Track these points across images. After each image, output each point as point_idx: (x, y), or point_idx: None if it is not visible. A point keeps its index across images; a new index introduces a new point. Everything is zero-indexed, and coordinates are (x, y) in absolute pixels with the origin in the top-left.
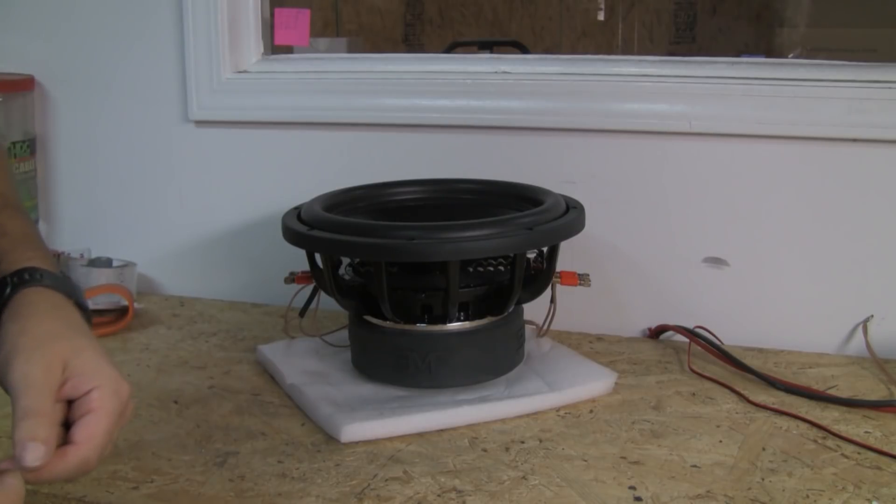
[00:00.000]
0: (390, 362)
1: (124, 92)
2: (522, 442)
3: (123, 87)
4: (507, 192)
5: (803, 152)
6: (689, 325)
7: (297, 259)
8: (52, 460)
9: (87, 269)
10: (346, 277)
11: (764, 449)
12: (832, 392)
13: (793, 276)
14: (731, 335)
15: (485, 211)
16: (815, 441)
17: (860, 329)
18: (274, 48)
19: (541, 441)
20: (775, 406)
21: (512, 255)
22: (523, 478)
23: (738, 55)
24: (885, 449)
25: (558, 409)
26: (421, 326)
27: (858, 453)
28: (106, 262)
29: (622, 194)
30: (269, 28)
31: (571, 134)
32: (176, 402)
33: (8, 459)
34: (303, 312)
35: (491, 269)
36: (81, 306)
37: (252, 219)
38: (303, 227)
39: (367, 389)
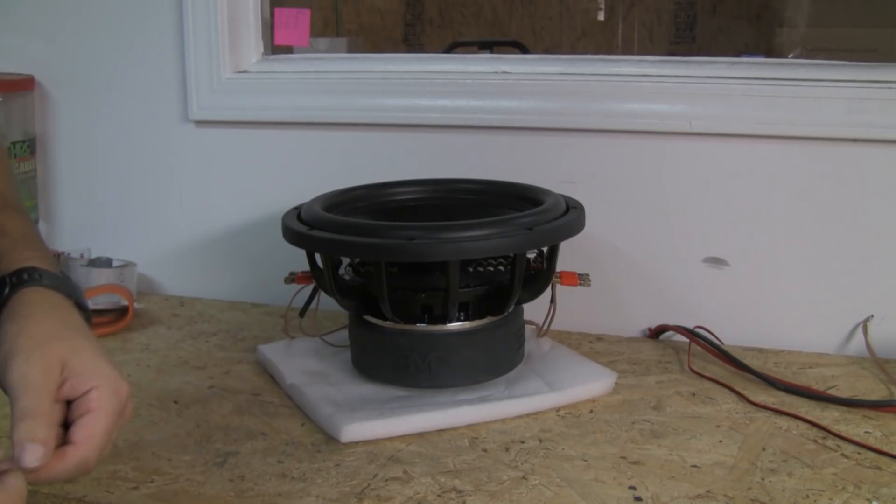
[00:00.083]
0: (390, 362)
1: (124, 92)
2: (522, 442)
3: (123, 87)
4: (507, 192)
5: (803, 152)
6: (689, 325)
7: (297, 259)
8: (51, 461)
9: (87, 269)
10: (346, 277)
11: (764, 449)
12: (832, 392)
13: (793, 276)
14: (731, 335)
15: (485, 211)
16: (815, 441)
17: (860, 329)
18: (274, 48)
19: (541, 441)
20: (775, 406)
21: (512, 255)
22: (523, 478)
23: (738, 55)
24: (885, 449)
25: (558, 409)
26: (421, 326)
27: (858, 453)
28: (106, 262)
29: (622, 194)
30: (269, 28)
31: (571, 134)
32: (176, 402)
33: (7, 460)
34: (303, 312)
35: (491, 269)
36: (81, 306)
37: (252, 219)
38: (303, 227)
39: (367, 389)
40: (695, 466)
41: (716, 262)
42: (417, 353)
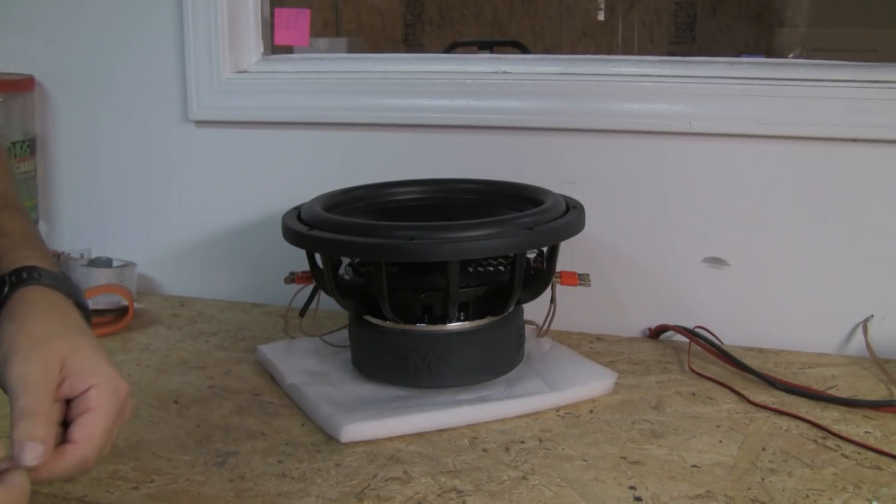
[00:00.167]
0: (390, 362)
1: (124, 92)
2: (522, 442)
3: (123, 87)
4: (507, 192)
5: (803, 152)
6: (689, 325)
7: (297, 259)
8: (50, 459)
9: (87, 269)
10: (346, 277)
11: (764, 449)
12: (832, 392)
13: (793, 276)
14: (731, 335)
15: (485, 211)
16: (815, 441)
17: (860, 329)
18: (274, 48)
19: (541, 441)
20: (775, 406)
21: (512, 255)
22: (523, 478)
23: (738, 55)
24: (885, 449)
25: (558, 409)
26: (421, 326)
27: (858, 453)
28: (106, 262)
29: (622, 194)
30: (269, 28)
31: (571, 134)
32: (176, 402)
33: (7, 459)
34: (303, 312)
35: (491, 269)
36: (81, 305)
37: (252, 219)
38: (303, 227)
39: (367, 389)
40: (695, 466)
41: (716, 262)
42: (417, 353)
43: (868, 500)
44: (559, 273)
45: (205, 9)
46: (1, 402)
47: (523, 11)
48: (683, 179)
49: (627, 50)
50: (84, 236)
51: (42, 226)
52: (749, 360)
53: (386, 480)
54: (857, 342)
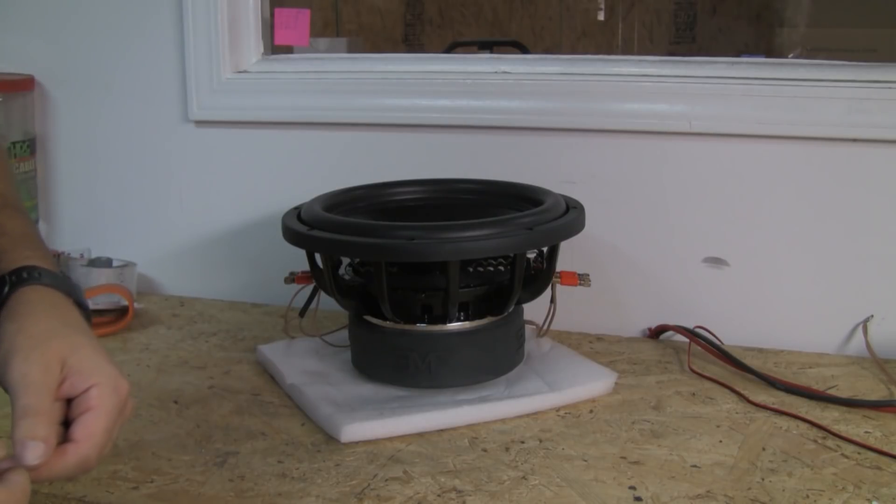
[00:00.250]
0: (390, 362)
1: (124, 92)
2: (522, 442)
3: (123, 87)
4: (507, 192)
5: (803, 152)
6: (689, 325)
7: (297, 259)
8: (52, 459)
9: (87, 269)
10: (346, 277)
11: (764, 449)
12: (832, 392)
13: (793, 276)
14: (731, 335)
15: (485, 211)
16: (815, 441)
17: (860, 329)
18: (274, 48)
19: (541, 441)
20: (775, 406)
21: (512, 255)
22: (523, 478)
23: (738, 55)
24: (885, 449)
25: (558, 409)
26: (421, 326)
27: (858, 453)
28: (106, 262)
29: (622, 194)
30: (269, 28)
31: (571, 134)
32: (176, 402)
33: (8, 458)
34: (303, 312)
35: (491, 269)
36: (80, 305)
37: (252, 219)
38: (303, 227)
39: (367, 389)
40: (695, 466)
41: (716, 262)
42: (417, 353)
43: (868, 500)
44: (559, 273)
45: (205, 9)
46: (2, 401)
47: (523, 11)
48: (683, 179)
49: (627, 50)
50: (84, 236)
51: (42, 226)
52: (749, 360)
53: (386, 480)
54: (857, 342)
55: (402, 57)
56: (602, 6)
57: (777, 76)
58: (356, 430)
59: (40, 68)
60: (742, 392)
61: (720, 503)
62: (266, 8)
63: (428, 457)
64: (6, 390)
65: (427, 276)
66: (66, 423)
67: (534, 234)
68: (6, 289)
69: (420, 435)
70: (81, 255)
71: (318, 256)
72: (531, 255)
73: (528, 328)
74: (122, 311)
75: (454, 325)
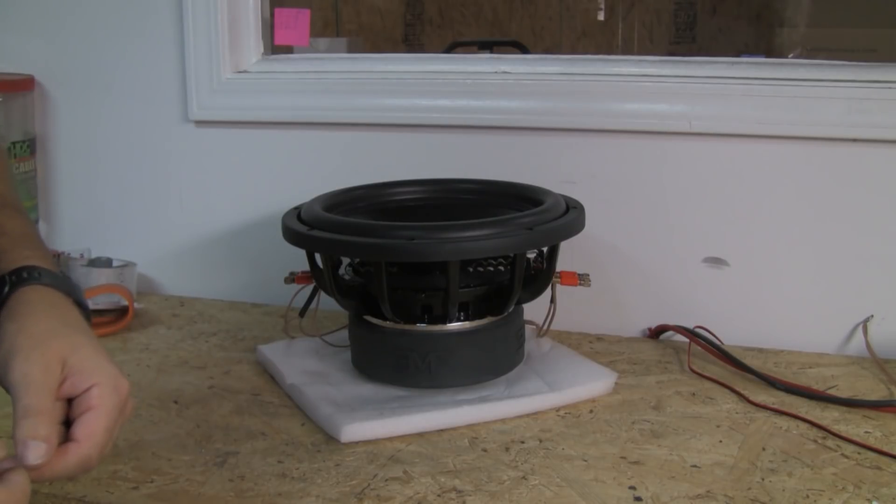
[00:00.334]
0: (390, 362)
1: (124, 92)
2: (522, 442)
3: (123, 87)
4: (507, 192)
5: (803, 152)
6: (689, 325)
7: (297, 259)
8: (53, 458)
9: (87, 269)
10: (346, 277)
11: (764, 449)
12: (832, 392)
13: (793, 276)
14: (731, 335)
15: (485, 211)
16: (815, 441)
17: (860, 329)
18: (274, 48)
19: (541, 441)
20: (775, 406)
21: (512, 255)
22: (523, 478)
23: (738, 55)
24: (885, 449)
25: (558, 409)
26: (421, 326)
27: (858, 453)
28: (106, 262)
29: (622, 194)
30: (269, 28)
31: (571, 134)
32: (176, 402)
33: (9, 458)
34: (303, 312)
35: (491, 269)
36: (80, 304)
37: (252, 219)
38: (303, 227)
39: (367, 389)
40: (695, 466)
41: (716, 262)
42: (417, 353)
43: (868, 500)
44: (559, 273)
45: (205, 9)
46: (2, 401)
47: (523, 11)
48: (683, 179)
49: (627, 50)
50: (84, 236)
51: (42, 226)
52: (749, 360)
53: (386, 480)
54: (857, 342)
55: (402, 57)
56: (602, 6)
57: (777, 76)
58: (356, 430)
59: (40, 68)
60: (742, 392)
61: (720, 503)
62: (266, 8)
63: (428, 457)
64: (7, 390)
65: (427, 276)
66: (67, 423)
67: (534, 234)
68: (6, 289)
69: (420, 435)
70: (81, 255)
71: (318, 256)
72: (531, 255)
73: (528, 328)
74: (122, 311)
75: (454, 325)
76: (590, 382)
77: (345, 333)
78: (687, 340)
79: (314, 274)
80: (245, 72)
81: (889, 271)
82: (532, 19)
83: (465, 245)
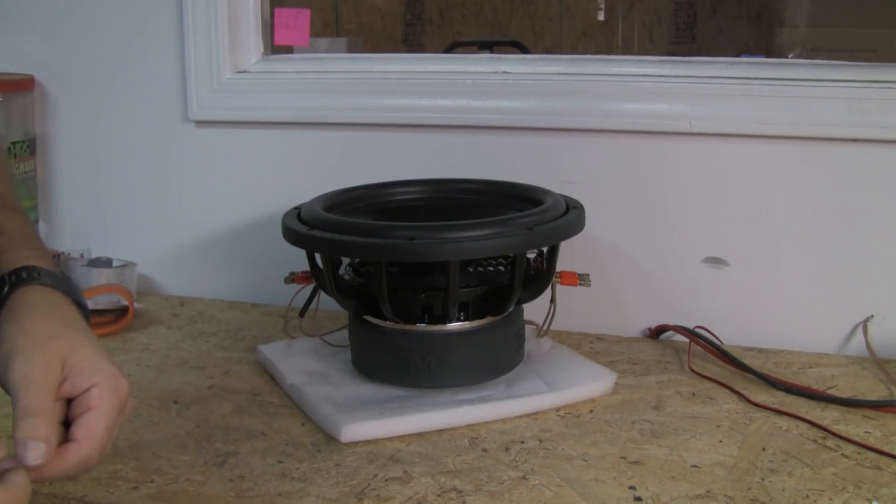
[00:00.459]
0: (390, 362)
1: (124, 92)
2: (522, 442)
3: (123, 87)
4: (507, 192)
5: (803, 152)
6: (689, 325)
7: (297, 259)
8: (53, 458)
9: (87, 269)
10: (346, 277)
11: (764, 449)
12: (832, 392)
13: (793, 276)
14: (731, 335)
15: (485, 211)
16: (815, 441)
17: (860, 329)
18: (274, 48)
19: (541, 441)
20: (775, 406)
21: (512, 255)
22: (523, 478)
23: (738, 55)
24: (885, 449)
25: (558, 409)
26: (421, 326)
27: (858, 453)
28: (106, 262)
29: (622, 194)
30: (269, 28)
31: (571, 134)
32: (176, 402)
33: (9, 458)
34: (303, 312)
35: (491, 269)
36: (80, 304)
37: (252, 219)
38: (303, 227)
39: (367, 389)
40: (695, 466)
41: (716, 262)
42: (417, 353)
43: (868, 500)
44: (559, 273)
45: (205, 9)
46: (2, 401)
47: (523, 11)
48: (683, 179)
49: (627, 50)
50: (84, 236)
51: (42, 226)
52: (749, 360)
53: (386, 480)
54: (857, 342)
55: (402, 57)
56: (602, 6)
57: (777, 76)
58: (356, 430)
59: (40, 68)
60: (742, 392)
61: (720, 503)
62: (266, 8)
63: (428, 457)
64: (7, 391)
65: (427, 276)
66: (67, 423)
67: (534, 234)
68: (6, 289)
69: (420, 435)
70: (81, 255)
71: (318, 256)
72: (531, 255)
73: (528, 328)
74: (122, 311)
75: (454, 325)
76: (590, 382)
77: (345, 333)
78: (687, 340)
79: (314, 274)
80: (245, 72)
81: (889, 271)
82: (532, 19)
83: (465, 245)
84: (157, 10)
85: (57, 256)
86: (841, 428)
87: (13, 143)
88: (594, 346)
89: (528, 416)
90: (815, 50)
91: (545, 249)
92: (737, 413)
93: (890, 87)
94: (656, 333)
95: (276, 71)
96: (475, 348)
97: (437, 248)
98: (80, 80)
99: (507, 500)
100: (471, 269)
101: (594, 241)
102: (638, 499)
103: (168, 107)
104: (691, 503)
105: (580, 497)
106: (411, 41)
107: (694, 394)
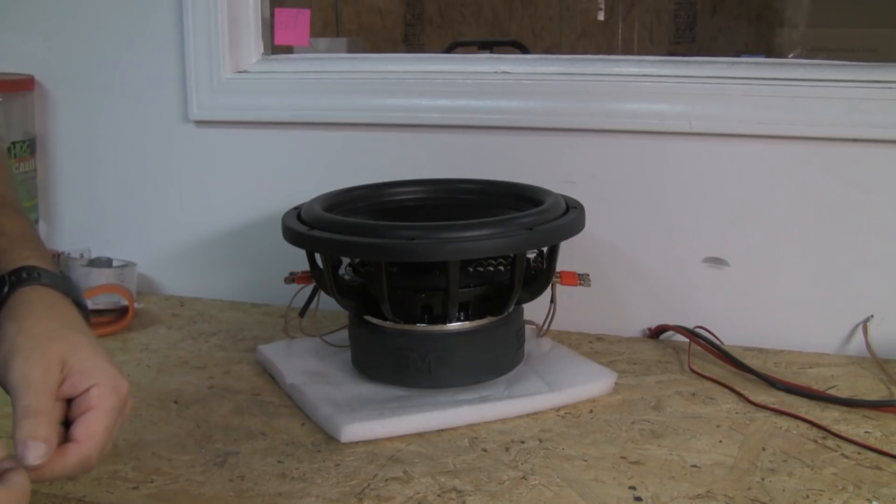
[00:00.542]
0: (390, 362)
1: (124, 92)
2: (522, 442)
3: (123, 87)
4: (507, 192)
5: (803, 152)
6: (689, 325)
7: (297, 259)
8: (53, 458)
9: (87, 269)
10: (346, 277)
11: (764, 449)
12: (832, 392)
13: (793, 276)
14: (731, 335)
15: (485, 211)
16: (815, 441)
17: (860, 329)
18: (274, 48)
19: (541, 441)
20: (775, 406)
21: (512, 255)
22: (523, 478)
23: (738, 55)
24: (885, 449)
25: (558, 409)
26: (421, 326)
27: (858, 453)
28: (106, 262)
29: (622, 194)
30: (269, 28)
31: (571, 134)
32: (176, 402)
33: (9, 458)
34: (303, 312)
35: (491, 269)
36: (79, 304)
37: (252, 219)
38: (303, 227)
39: (367, 389)
40: (695, 466)
41: (716, 262)
42: (417, 353)
43: (868, 500)
44: (559, 273)
45: (205, 9)
46: (2, 402)
47: (523, 11)
48: (683, 179)
49: (627, 50)
50: (84, 236)
51: (42, 226)
52: (749, 360)
53: (386, 480)
54: (857, 342)
55: (402, 57)
56: (602, 6)
57: (777, 76)
58: (356, 430)
59: (40, 68)
60: (742, 392)
61: (720, 503)
62: (266, 8)
63: (428, 457)
64: (7, 391)
65: (427, 276)
66: (67, 424)
67: (534, 234)
68: (6, 289)
69: (420, 435)
70: (81, 255)
71: (318, 256)
72: (531, 255)
73: (528, 328)
74: (122, 311)
75: (454, 325)
76: (590, 382)
77: (345, 333)
78: (687, 340)
79: (314, 274)
80: (245, 72)
81: (889, 271)
82: (532, 19)
83: (465, 245)
84: (157, 10)
85: (57, 256)
86: (841, 428)
87: (13, 143)
88: (594, 346)
89: (528, 416)
90: (815, 50)
91: (545, 249)
92: (737, 413)
93: (890, 87)
94: (656, 333)
95: (276, 71)
96: (475, 348)
97: (437, 248)
98: (80, 80)
99: (507, 500)
100: (471, 269)
101: (594, 241)
102: (638, 499)
103: (168, 107)
104: (691, 503)
105: (580, 497)
106: (411, 41)
107: (694, 394)
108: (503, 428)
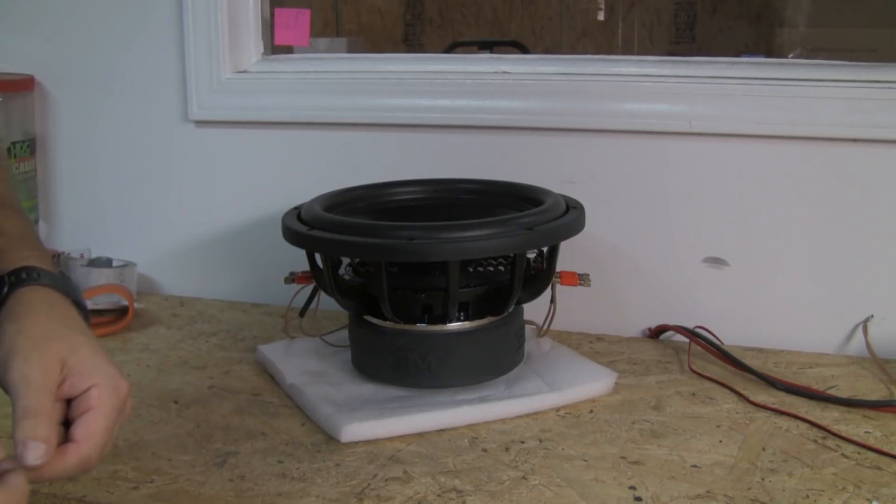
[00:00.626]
0: (390, 362)
1: (124, 92)
2: (522, 442)
3: (123, 87)
4: (507, 192)
5: (803, 152)
6: (689, 325)
7: (297, 259)
8: (53, 459)
9: (87, 269)
10: (346, 277)
11: (764, 449)
12: (832, 392)
13: (793, 276)
14: (731, 335)
15: (485, 211)
16: (815, 441)
17: (860, 329)
18: (274, 48)
19: (541, 441)
20: (775, 406)
21: (512, 255)
22: (523, 478)
23: (738, 55)
24: (885, 449)
25: (558, 409)
26: (421, 326)
27: (858, 453)
28: (106, 262)
29: (622, 194)
30: (269, 28)
31: (571, 134)
32: (176, 402)
33: (9, 458)
34: (303, 312)
35: (491, 269)
36: (79, 305)
37: (252, 219)
38: (303, 227)
39: (367, 389)
40: (695, 466)
41: (716, 262)
42: (417, 353)
43: (868, 500)
44: (559, 273)
45: (205, 9)
46: (2, 402)
47: (523, 11)
48: (683, 179)
49: (627, 50)
50: (84, 236)
51: (42, 226)
52: (749, 360)
53: (386, 480)
54: (857, 342)
55: (402, 57)
56: (602, 6)
57: (777, 76)
58: (356, 430)
59: (40, 68)
60: (742, 392)
61: (720, 503)
62: (266, 8)
63: (428, 457)
64: (6, 391)
65: (427, 276)
66: (67, 424)
67: (534, 234)
68: (5, 289)
69: (420, 435)
70: (81, 255)
71: (318, 256)
72: (531, 255)
73: (528, 328)
74: (122, 311)
75: (454, 325)
76: (590, 382)
77: (345, 333)
78: (687, 340)
79: (314, 274)
80: (245, 72)
81: (889, 271)
82: (532, 19)
83: (465, 245)
84: (157, 10)
85: (57, 256)
86: (841, 428)
87: (13, 143)
88: (594, 346)
89: (528, 416)
90: (815, 50)
91: (545, 249)
92: (737, 413)
93: (890, 87)
94: (656, 333)
95: (276, 71)
96: (475, 348)
97: (437, 248)
98: (80, 80)
99: (507, 500)
100: (471, 269)
101: (594, 241)
102: (638, 499)
103: (168, 107)
104: (691, 503)
105: (580, 497)
106: (411, 41)
107: (694, 394)
108: (503, 428)
